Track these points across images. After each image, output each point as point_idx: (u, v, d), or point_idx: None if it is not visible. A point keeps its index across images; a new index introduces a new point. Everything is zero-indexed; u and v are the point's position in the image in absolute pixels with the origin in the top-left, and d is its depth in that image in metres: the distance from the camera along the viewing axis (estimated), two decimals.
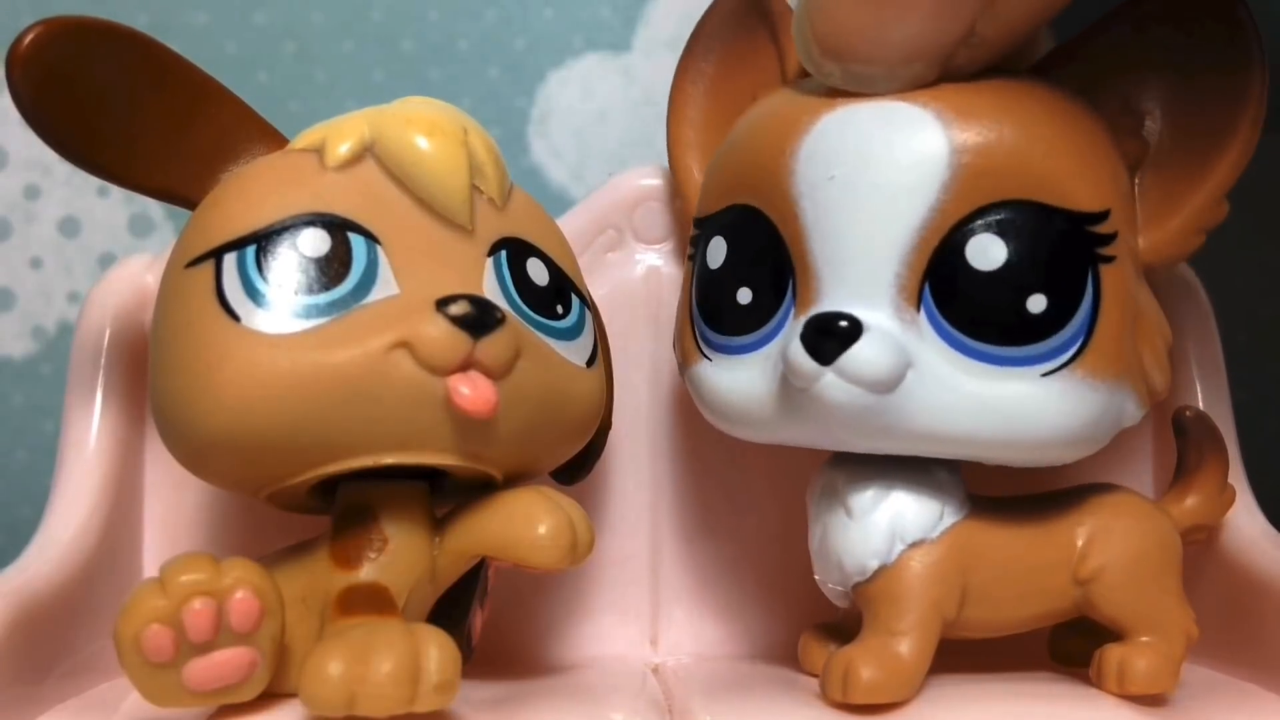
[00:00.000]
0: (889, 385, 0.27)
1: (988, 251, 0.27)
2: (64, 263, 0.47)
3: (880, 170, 0.27)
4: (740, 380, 0.30)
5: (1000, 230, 0.27)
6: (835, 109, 0.28)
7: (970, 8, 0.27)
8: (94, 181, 0.46)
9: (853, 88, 0.28)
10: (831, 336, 0.27)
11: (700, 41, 0.35)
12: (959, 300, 0.27)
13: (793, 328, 0.28)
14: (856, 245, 0.27)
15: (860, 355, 0.27)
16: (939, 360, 0.27)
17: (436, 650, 0.24)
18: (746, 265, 0.30)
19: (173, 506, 0.35)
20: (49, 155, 0.29)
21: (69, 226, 0.47)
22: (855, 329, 0.27)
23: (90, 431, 0.34)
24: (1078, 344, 0.27)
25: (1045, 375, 0.27)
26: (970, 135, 0.27)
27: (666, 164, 0.36)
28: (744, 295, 0.29)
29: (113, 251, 0.47)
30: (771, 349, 0.29)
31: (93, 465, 0.33)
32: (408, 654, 0.24)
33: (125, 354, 0.34)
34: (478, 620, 0.31)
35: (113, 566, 0.33)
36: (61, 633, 0.30)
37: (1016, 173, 0.27)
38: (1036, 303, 0.27)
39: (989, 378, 0.27)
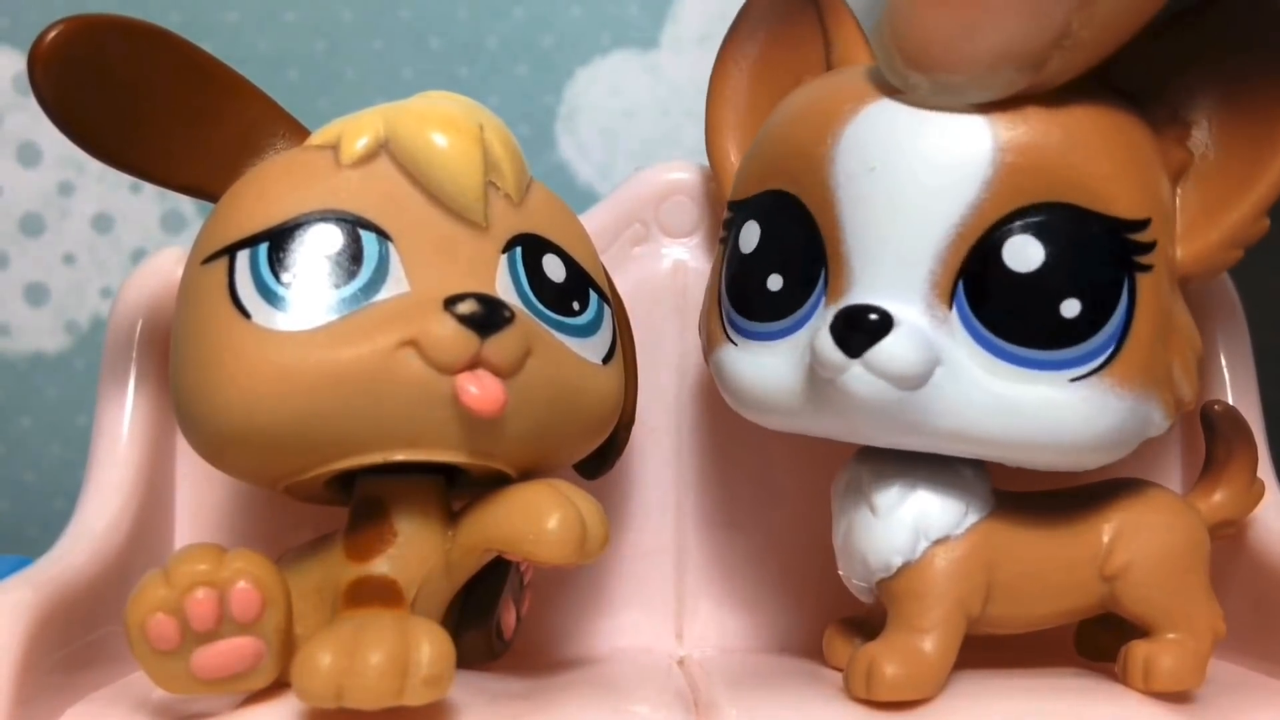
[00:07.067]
0: (915, 382, 0.27)
1: (1025, 253, 0.27)
2: (97, 259, 0.48)
3: (921, 165, 0.27)
4: (766, 367, 0.29)
5: (1039, 232, 0.27)
6: (880, 99, 0.28)
7: (1064, 6, 0.26)
8: (126, 178, 0.46)
9: (942, 99, 0.27)
10: (860, 329, 0.27)
11: (745, 24, 0.34)
12: (992, 300, 0.27)
13: (821, 317, 0.28)
14: (891, 239, 0.27)
15: (888, 350, 0.26)
16: (968, 360, 0.27)
17: (428, 644, 0.24)
18: (779, 252, 0.29)
19: (203, 498, 0.36)
20: (82, 152, 0.29)
21: (102, 223, 0.48)
22: (885, 323, 0.27)
23: (122, 425, 0.34)
24: (1108, 351, 0.27)
25: (1074, 381, 0.27)
26: (1015, 134, 0.27)
27: (693, 159, 0.36)
28: (775, 282, 0.29)
29: (145, 247, 0.48)
30: (800, 337, 0.29)
31: (124, 458, 0.34)
32: (397, 647, 0.24)
33: (157, 347, 0.35)
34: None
35: (144, 557, 0.33)
36: (94, 622, 0.30)
37: (1058, 175, 0.27)
38: (1070, 307, 0.27)
39: (1017, 380, 0.27)
